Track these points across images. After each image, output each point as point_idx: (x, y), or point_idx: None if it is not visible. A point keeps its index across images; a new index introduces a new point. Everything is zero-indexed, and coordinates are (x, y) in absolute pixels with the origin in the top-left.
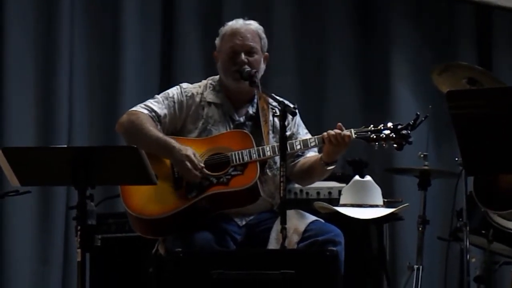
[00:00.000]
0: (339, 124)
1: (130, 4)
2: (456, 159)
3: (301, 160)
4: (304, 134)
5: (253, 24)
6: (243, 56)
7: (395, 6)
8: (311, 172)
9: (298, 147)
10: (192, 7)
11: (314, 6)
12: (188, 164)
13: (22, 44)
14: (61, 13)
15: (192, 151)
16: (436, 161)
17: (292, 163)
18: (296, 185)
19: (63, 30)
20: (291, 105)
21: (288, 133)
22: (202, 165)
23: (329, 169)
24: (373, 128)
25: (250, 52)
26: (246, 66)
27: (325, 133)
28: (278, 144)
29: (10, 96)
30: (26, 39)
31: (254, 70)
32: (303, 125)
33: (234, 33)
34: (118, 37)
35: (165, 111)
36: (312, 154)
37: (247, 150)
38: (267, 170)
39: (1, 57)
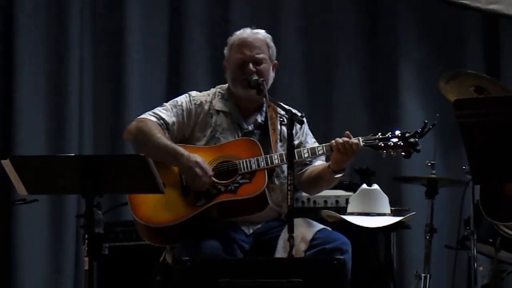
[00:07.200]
0: (347, 132)
1: (137, 13)
2: (464, 167)
3: (309, 168)
4: (312, 143)
5: (261, 33)
6: (251, 66)
7: (403, 15)
8: (319, 181)
9: (306, 155)
10: (199, 14)
11: (323, 15)
12: (198, 170)
13: (33, 54)
14: (71, 26)
15: (201, 158)
16: (443, 170)
17: (300, 172)
18: (304, 194)
19: (73, 42)
20: (299, 114)
21: (296, 142)
22: (211, 172)
23: (337, 177)
24: (381, 136)
25: (258, 62)
26: (254, 75)
27: (333, 141)
28: (286, 152)
29: (22, 105)
30: (37, 50)
31: (261, 79)
32: (311, 134)
33: (242, 43)
34: (125, 46)
35: (174, 119)
36: (320, 162)
37: (255, 158)
38: (275, 179)
39: (13, 67)
